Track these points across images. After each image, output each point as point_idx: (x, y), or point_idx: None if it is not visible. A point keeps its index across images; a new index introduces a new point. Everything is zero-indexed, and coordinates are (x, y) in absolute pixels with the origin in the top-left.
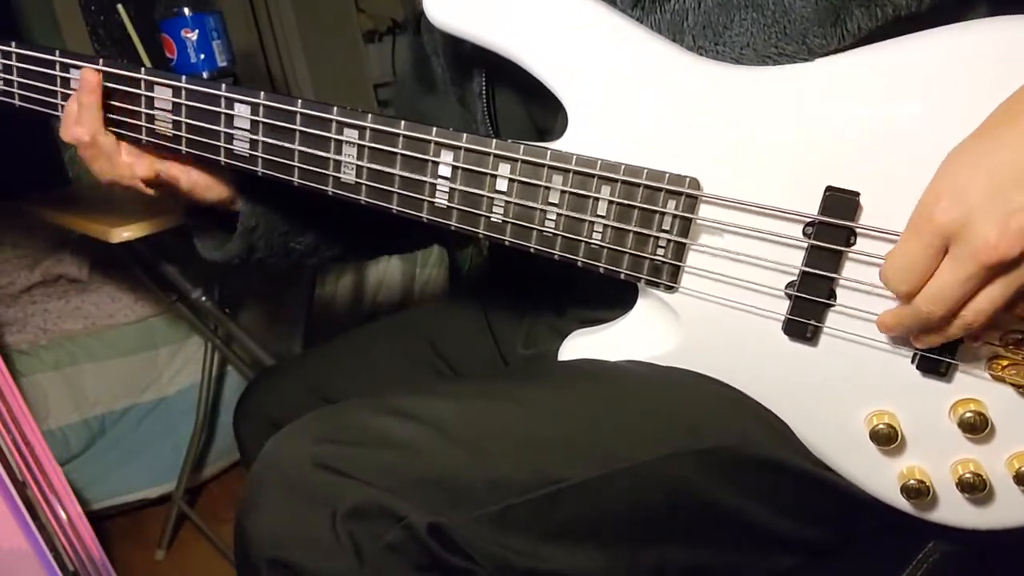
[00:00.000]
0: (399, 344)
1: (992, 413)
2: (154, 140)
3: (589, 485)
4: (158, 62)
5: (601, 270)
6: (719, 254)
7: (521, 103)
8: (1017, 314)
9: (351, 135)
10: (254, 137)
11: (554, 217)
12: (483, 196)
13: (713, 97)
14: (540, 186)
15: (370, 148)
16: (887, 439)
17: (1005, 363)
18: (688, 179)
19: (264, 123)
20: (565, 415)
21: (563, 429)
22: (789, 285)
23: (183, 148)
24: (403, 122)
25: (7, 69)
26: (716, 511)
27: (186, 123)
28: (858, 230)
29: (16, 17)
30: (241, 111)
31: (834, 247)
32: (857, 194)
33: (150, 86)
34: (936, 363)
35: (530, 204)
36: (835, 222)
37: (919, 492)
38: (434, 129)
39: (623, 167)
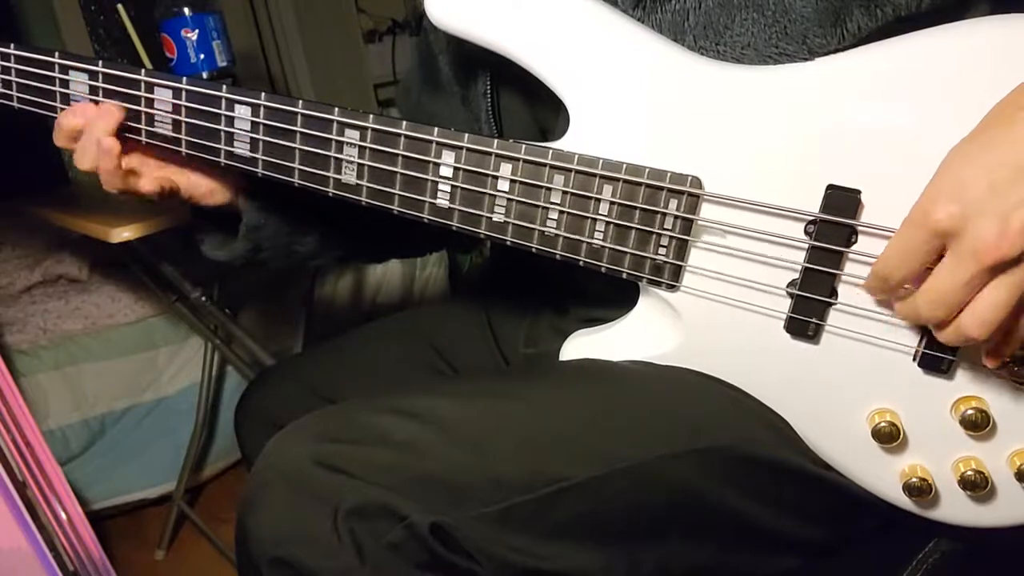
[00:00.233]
0: (400, 344)
1: (994, 410)
2: (154, 141)
3: (590, 485)
4: (158, 62)
5: (603, 270)
6: (721, 253)
7: (525, 103)
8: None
9: (352, 136)
10: (255, 138)
11: (556, 217)
12: (485, 196)
13: (714, 97)
14: (542, 186)
15: (371, 149)
16: (889, 437)
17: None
18: (690, 178)
19: (265, 124)
20: (566, 415)
21: (564, 429)
22: (791, 283)
23: (183, 149)
24: (404, 123)
25: (6, 71)
26: (717, 511)
27: (186, 124)
28: (859, 228)
29: (16, 17)
30: (241, 112)
31: (835, 245)
32: (858, 192)
33: (150, 87)
34: (938, 360)
35: (532, 204)
36: (837, 220)
37: (921, 490)
38: (435, 129)
39: (625, 166)
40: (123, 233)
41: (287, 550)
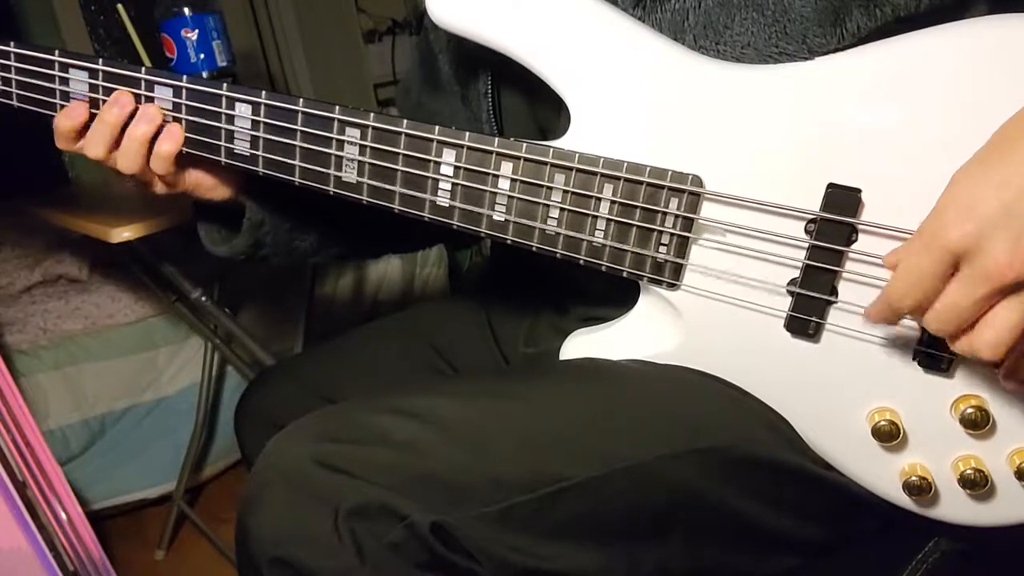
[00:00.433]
0: (400, 344)
1: (993, 409)
2: None
3: (590, 484)
4: (158, 62)
5: (603, 268)
6: (722, 251)
7: (525, 103)
8: None
9: (353, 134)
10: (255, 136)
11: (556, 215)
12: (485, 195)
13: (715, 95)
14: (543, 185)
15: (372, 147)
16: (889, 436)
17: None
18: (690, 177)
19: (265, 122)
20: (567, 415)
21: (565, 428)
22: (791, 282)
23: (183, 147)
24: (405, 121)
25: (5, 68)
26: (717, 511)
27: (186, 122)
28: (860, 227)
29: (16, 17)
30: (242, 111)
31: (836, 244)
32: (859, 191)
33: (150, 86)
34: (938, 359)
35: (532, 202)
36: (837, 219)
37: (921, 489)
38: (436, 128)
39: (626, 165)
40: (123, 233)
41: (287, 550)
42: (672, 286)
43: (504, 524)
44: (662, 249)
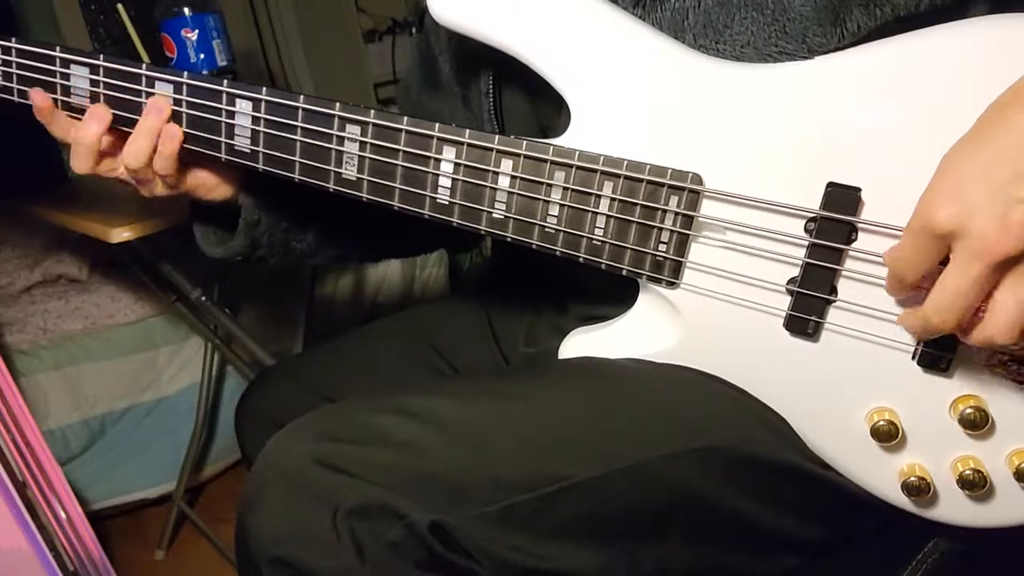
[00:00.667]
0: (399, 344)
1: (992, 409)
2: None
3: (590, 484)
4: (158, 62)
5: (603, 266)
6: (721, 250)
7: (527, 103)
8: None
9: (353, 131)
10: (255, 132)
11: (556, 213)
12: (485, 192)
13: (715, 94)
14: (543, 182)
15: (372, 144)
16: (888, 436)
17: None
18: (690, 175)
19: (266, 119)
20: (566, 414)
21: (564, 428)
22: (791, 281)
23: (184, 144)
24: (405, 118)
25: (7, 64)
26: (717, 511)
27: (187, 118)
28: (859, 225)
29: (16, 16)
30: (243, 107)
31: (836, 242)
32: (858, 190)
33: (151, 82)
34: (937, 359)
35: (532, 200)
36: (837, 217)
37: (920, 489)
38: (436, 125)
39: (626, 163)
40: (123, 233)
41: (287, 550)
42: (671, 284)
43: (504, 524)
44: (662, 247)
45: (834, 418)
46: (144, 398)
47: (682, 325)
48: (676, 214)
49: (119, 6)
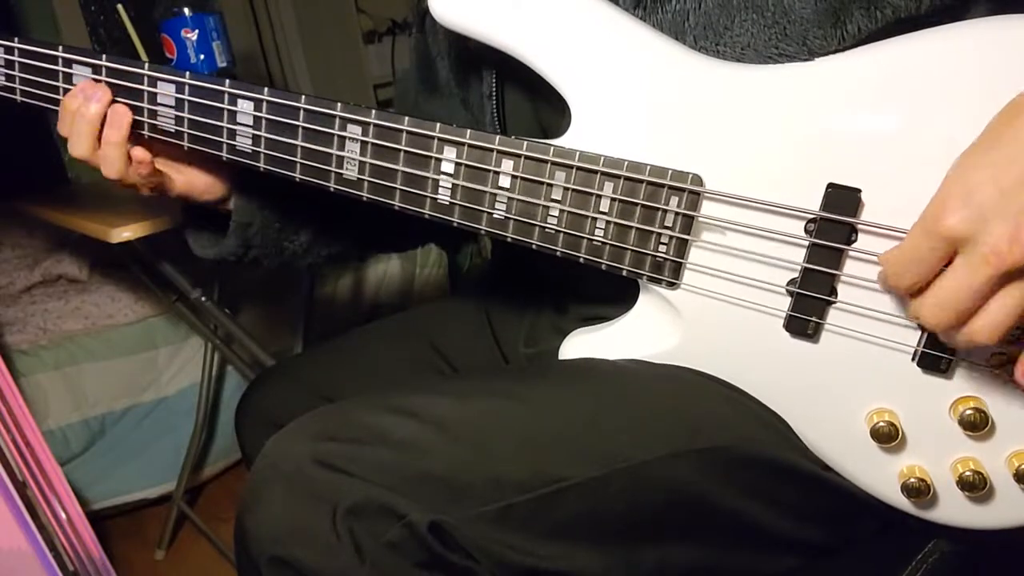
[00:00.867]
0: (399, 344)
1: (992, 411)
2: (156, 135)
3: (589, 484)
4: (157, 62)
5: (603, 267)
6: (721, 251)
7: (528, 104)
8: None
9: (354, 131)
10: (257, 133)
11: (556, 214)
12: (486, 192)
13: (716, 95)
14: (543, 183)
15: (373, 144)
16: (888, 437)
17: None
18: (691, 175)
19: (267, 119)
20: (566, 414)
21: (564, 428)
22: (791, 282)
23: (185, 143)
24: (406, 118)
25: (9, 64)
26: (716, 511)
27: (189, 119)
28: (859, 227)
29: (16, 16)
30: (244, 107)
31: (836, 243)
32: (858, 191)
33: (153, 81)
34: (937, 360)
35: (533, 200)
36: (837, 218)
37: (919, 491)
38: (437, 125)
39: (626, 163)
40: (123, 233)
41: (286, 549)
42: (672, 285)
43: (503, 524)
44: (662, 248)
45: (834, 419)
46: (144, 398)
47: (682, 326)
48: (676, 215)
49: (119, 6)
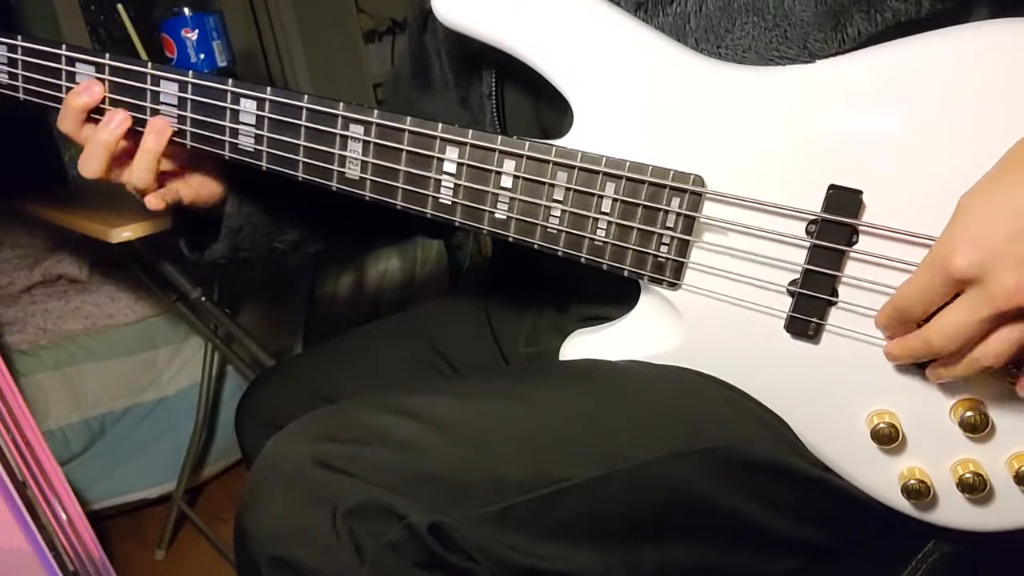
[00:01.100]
0: (399, 344)
1: (993, 413)
2: None
3: (590, 485)
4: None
5: (604, 267)
6: (722, 251)
7: (529, 104)
8: None
9: (357, 131)
10: (260, 132)
11: (558, 214)
12: (488, 192)
13: (717, 96)
14: (545, 183)
15: (376, 144)
16: (888, 439)
17: None
18: (692, 176)
19: (270, 118)
20: (566, 415)
21: (564, 429)
22: (792, 283)
23: (188, 142)
24: (409, 118)
25: (12, 62)
26: (716, 512)
27: (191, 118)
28: (860, 228)
29: (16, 16)
30: (247, 106)
31: (837, 244)
32: (860, 192)
33: (156, 80)
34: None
35: (535, 201)
36: (838, 219)
37: (919, 492)
38: (440, 125)
39: (628, 164)
40: (123, 233)
41: (286, 549)
42: (673, 285)
43: (503, 524)
44: (663, 248)
45: (834, 420)
46: (144, 398)
47: (683, 326)
48: (678, 215)
49: (119, 6)
